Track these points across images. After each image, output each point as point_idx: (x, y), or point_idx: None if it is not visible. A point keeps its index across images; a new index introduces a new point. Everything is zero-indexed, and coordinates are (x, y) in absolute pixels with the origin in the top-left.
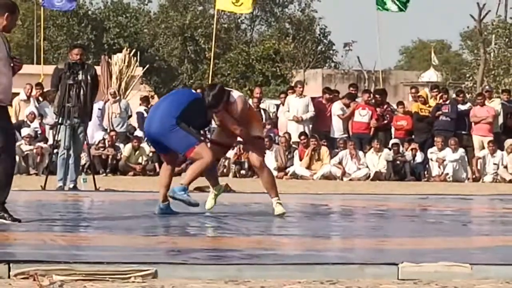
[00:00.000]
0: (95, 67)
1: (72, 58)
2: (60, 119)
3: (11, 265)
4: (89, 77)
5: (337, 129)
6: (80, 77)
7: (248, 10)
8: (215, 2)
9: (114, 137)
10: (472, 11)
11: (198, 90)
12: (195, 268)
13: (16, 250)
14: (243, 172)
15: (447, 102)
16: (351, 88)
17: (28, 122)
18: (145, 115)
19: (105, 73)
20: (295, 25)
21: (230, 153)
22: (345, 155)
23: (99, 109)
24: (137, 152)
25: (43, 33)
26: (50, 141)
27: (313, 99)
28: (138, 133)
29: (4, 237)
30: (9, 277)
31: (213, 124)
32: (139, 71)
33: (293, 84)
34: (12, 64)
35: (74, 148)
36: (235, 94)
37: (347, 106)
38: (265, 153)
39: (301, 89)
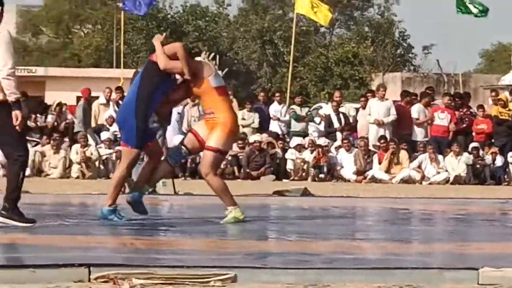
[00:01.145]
0: None
1: None
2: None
3: (91, 268)
4: None
5: (419, 132)
6: None
7: (324, 23)
8: (295, 6)
9: None
10: None
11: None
12: (275, 272)
13: (96, 253)
14: (321, 176)
15: None
16: (428, 91)
17: (107, 125)
18: None
19: None
20: (374, 28)
21: (309, 157)
22: (425, 159)
23: (178, 113)
24: None
25: (122, 37)
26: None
27: (393, 102)
28: None
29: (85, 240)
30: (89, 280)
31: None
32: None
33: (375, 88)
34: None
35: None
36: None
37: (427, 106)
38: (217, 167)
39: (383, 92)
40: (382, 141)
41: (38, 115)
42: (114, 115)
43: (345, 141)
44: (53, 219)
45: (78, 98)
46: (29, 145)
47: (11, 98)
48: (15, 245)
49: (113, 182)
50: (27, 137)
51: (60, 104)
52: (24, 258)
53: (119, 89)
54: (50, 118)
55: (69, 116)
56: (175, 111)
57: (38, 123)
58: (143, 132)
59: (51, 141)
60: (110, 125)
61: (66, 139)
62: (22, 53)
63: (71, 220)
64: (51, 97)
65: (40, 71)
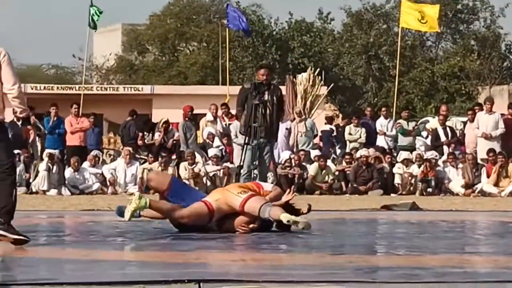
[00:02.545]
0: (280, 87)
1: (258, 78)
2: (247, 139)
3: (201, 284)
4: (274, 98)
5: None
6: (266, 97)
7: (434, 29)
8: (400, 20)
9: (302, 156)
10: None
11: None
12: (384, 286)
13: (206, 269)
14: (429, 190)
15: None
16: None
17: (210, 143)
18: (334, 133)
19: (290, 92)
20: (480, 41)
21: (417, 171)
22: None
23: (286, 129)
24: (324, 171)
25: (228, 54)
26: (237, 162)
27: (501, 115)
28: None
29: (194, 256)
30: None
31: None
32: (323, 90)
33: (482, 101)
34: None
35: (260, 168)
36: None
37: None
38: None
39: (490, 105)
40: (490, 154)
41: (145, 132)
42: (213, 131)
43: (450, 157)
44: (163, 236)
45: None
46: (137, 163)
47: (23, 115)
48: (124, 261)
49: None
50: (136, 155)
51: (167, 122)
52: (134, 274)
53: (225, 105)
54: (157, 136)
55: (176, 134)
56: (283, 126)
57: (146, 140)
58: None
59: (159, 158)
60: (212, 142)
61: (174, 156)
62: (128, 72)
63: (182, 236)
64: (158, 115)
65: (146, 89)
